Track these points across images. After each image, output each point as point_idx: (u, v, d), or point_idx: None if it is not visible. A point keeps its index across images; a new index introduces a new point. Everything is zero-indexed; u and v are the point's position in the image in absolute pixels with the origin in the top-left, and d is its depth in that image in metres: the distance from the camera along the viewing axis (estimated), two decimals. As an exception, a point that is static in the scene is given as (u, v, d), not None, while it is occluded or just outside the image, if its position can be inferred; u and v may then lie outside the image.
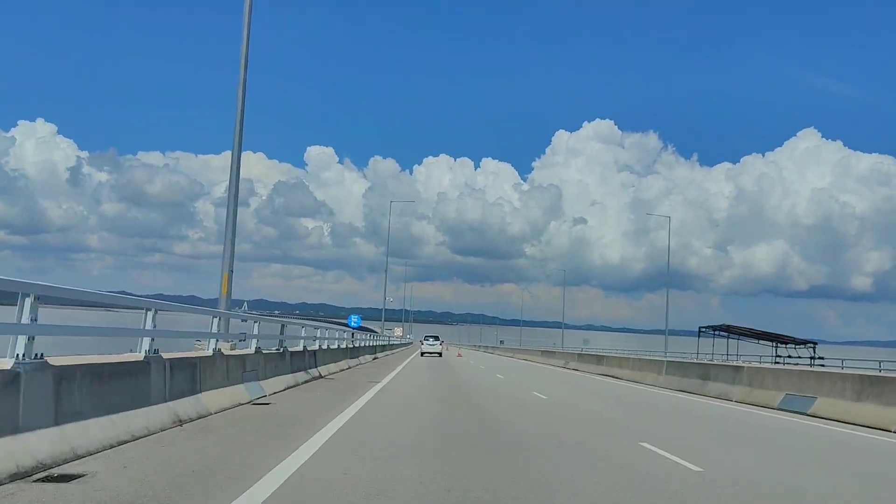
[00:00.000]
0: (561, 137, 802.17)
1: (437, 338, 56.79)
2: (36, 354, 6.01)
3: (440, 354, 54.05)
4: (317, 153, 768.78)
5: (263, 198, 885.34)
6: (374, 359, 36.88)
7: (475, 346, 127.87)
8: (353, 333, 38.67)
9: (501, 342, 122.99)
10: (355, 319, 51.98)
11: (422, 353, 53.76)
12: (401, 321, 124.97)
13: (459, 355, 59.50)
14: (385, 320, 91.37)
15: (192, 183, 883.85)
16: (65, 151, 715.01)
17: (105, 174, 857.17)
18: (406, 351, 67.31)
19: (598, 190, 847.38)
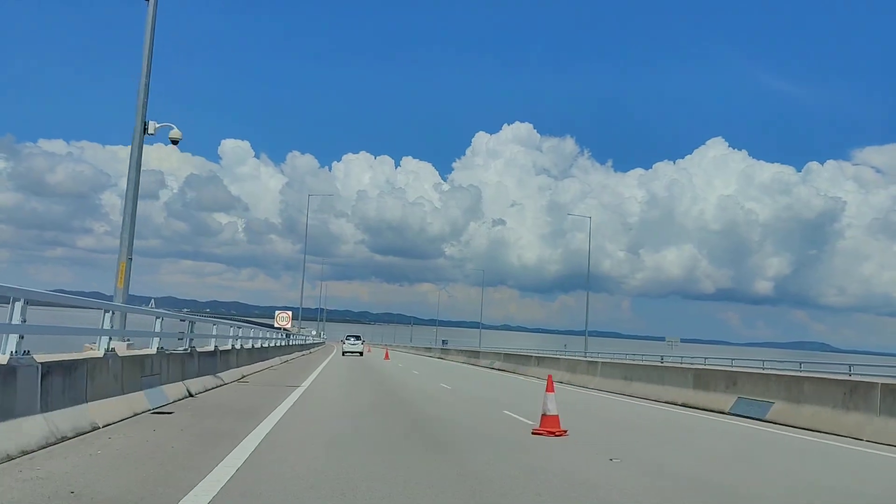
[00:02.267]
0: (481, 139, 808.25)
1: (358, 337, 60.02)
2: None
3: (361, 354, 56.66)
4: (232, 147, 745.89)
5: (174, 191, 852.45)
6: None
7: (416, 349, 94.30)
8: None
9: (445, 342, 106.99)
10: None
11: (343, 353, 55.86)
12: (315, 320, 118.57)
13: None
14: (302, 319, 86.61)
15: (97, 174, 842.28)
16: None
17: (1, 161, 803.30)
18: (308, 358, 41.22)
19: (516, 192, 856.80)
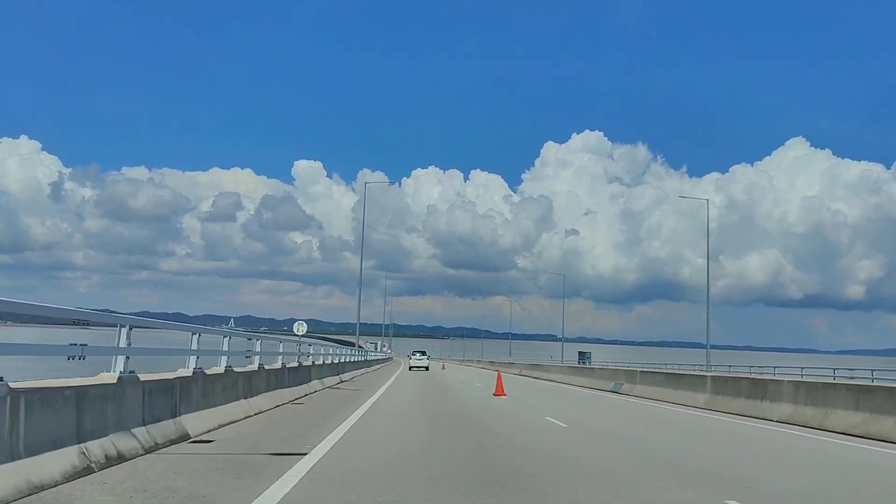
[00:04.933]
0: (550, 149, 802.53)
1: (424, 353, 62.10)
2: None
3: (427, 368, 57.87)
4: (304, 167, 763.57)
5: (251, 212, 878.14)
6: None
7: (514, 366, 65.96)
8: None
9: (585, 356, 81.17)
10: None
11: (410, 368, 57.32)
12: (382, 336, 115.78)
13: None
14: (365, 334, 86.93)
15: (178, 197, 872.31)
16: (49, 168, 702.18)
17: (88, 190, 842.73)
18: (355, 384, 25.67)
19: (588, 201, 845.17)
